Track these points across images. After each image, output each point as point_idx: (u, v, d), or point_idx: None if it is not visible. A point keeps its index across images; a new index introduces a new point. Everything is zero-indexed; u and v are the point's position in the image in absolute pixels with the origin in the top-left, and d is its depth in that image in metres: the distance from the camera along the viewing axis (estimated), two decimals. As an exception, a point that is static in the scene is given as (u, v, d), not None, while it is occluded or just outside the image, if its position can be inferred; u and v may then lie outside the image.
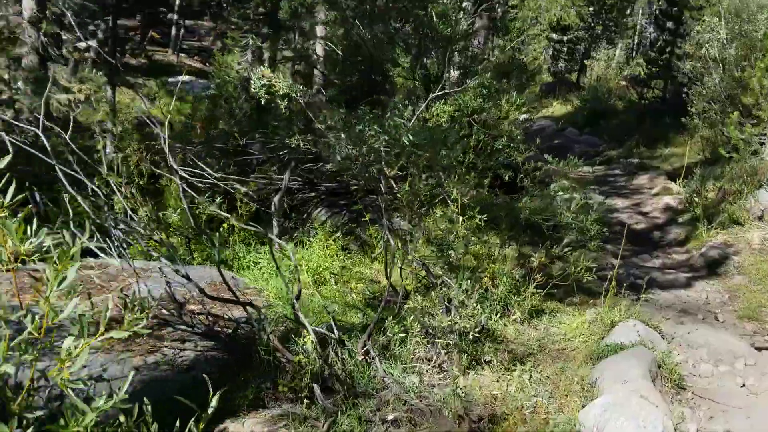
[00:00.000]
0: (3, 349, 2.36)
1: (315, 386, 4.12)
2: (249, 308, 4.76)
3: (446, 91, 9.11)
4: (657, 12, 17.62)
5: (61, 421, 2.38)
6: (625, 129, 15.97)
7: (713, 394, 4.45)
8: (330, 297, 6.64)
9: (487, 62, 13.23)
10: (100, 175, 7.57)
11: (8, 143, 4.88)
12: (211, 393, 2.79)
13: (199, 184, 6.66)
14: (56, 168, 4.34)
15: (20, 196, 2.59)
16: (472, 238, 7.03)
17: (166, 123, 6.12)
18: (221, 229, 7.61)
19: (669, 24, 16.94)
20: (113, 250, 5.20)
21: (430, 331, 4.67)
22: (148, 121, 7.12)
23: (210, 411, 2.73)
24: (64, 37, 20.55)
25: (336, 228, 8.11)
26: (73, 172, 5.27)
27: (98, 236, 6.74)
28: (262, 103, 6.53)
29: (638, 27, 30.90)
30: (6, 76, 12.28)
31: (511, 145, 9.86)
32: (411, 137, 4.86)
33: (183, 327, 4.66)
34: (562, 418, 4.10)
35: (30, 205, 5.11)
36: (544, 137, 17.59)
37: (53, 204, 7.78)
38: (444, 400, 4.20)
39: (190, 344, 4.65)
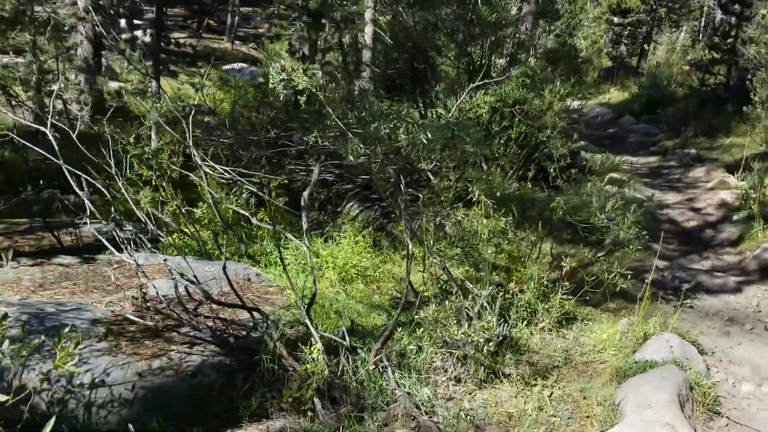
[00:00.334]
0: None
1: (316, 400, 3.94)
2: (256, 313, 4.62)
3: (486, 81, 8.77)
4: (722, -7, 16.67)
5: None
6: (684, 117, 15.20)
7: (751, 419, 4.07)
8: (356, 296, 6.47)
9: (535, 49, 12.78)
10: (131, 169, 7.58)
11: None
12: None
13: (226, 178, 6.56)
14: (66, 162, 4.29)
15: None
16: (508, 237, 6.76)
17: (190, 116, 6.04)
18: (251, 224, 7.51)
19: (735, 6, 16.02)
20: (129, 245, 5.15)
21: (447, 340, 4.44)
22: (176, 114, 7.08)
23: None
24: (122, 26, 20.97)
25: (367, 223, 7.92)
26: (105, 166, 5.26)
27: (127, 229, 6.76)
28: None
29: (705, 9, 29.52)
30: (58, 67, 12.48)
31: (557, 136, 9.45)
32: (429, 135, 4.60)
33: (189, 331, 4.56)
34: (579, 443, 3.82)
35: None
36: (599, 126, 17.00)
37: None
38: (456, 417, 3.97)
39: (198, 348, 4.54)
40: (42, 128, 4.78)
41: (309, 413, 3.96)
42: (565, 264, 5.22)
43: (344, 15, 11.98)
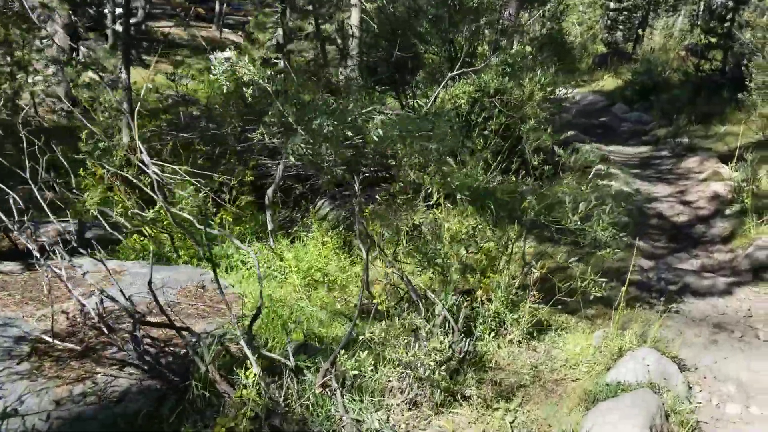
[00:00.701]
0: None
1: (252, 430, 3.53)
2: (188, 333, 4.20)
3: (464, 70, 8.32)
4: (717, -24, 16.13)
5: None
6: (677, 104, 14.73)
7: (735, 448, 3.68)
8: (320, 302, 6.05)
9: (521, 36, 12.30)
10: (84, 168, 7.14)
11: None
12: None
13: (177, 177, 6.13)
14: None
15: None
16: (481, 236, 6.35)
17: (135, 110, 5.60)
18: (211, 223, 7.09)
19: (731, -11, 15.49)
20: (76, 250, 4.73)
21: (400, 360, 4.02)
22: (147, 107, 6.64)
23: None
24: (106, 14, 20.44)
25: (338, 222, 7.50)
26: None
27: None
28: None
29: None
30: (24, 58, 12.01)
31: (540, 127, 8.99)
32: (381, 132, 4.18)
33: (118, 350, 4.15)
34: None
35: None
36: (591, 114, 16.54)
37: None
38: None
39: (129, 369, 4.13)
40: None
41: (243, 446, 3.55)
42: (535, 270, 4.80)
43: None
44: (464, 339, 4.35)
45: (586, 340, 4.65)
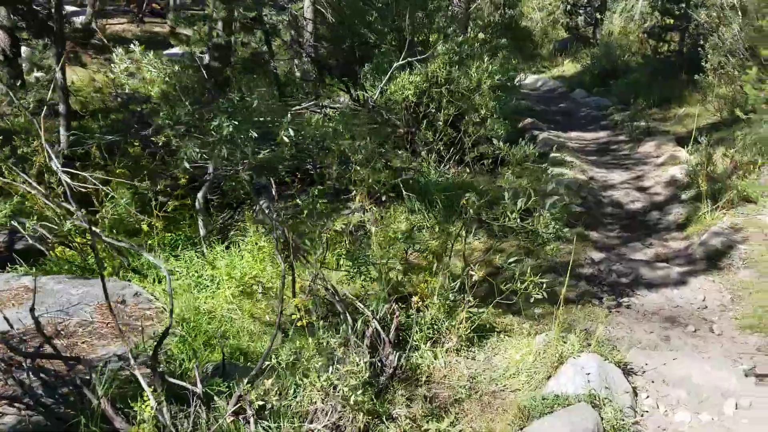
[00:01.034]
0: None
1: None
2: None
3: (409, 59, 7.96)
4: (671, -45, 15.92)
5: None
6: (636, 88, 14.53)
7: (683, 463, 3.38)
8: (253, 312, 5.66)
9: (472, 22, 11.97)
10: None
11: None
12: None
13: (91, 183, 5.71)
14: None
15: None
16: (435, 231, 6.02)
17: (42, 115, 5.17)
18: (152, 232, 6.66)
19: (685, -32, 15.30)
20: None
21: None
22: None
23: None
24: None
25: (311, 210, 7.10)
26: None
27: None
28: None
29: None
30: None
31: (493, 117, 8.68)
32: (291, 133, 3.80)
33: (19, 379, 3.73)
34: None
35: None
36: (551, 100, 16.28)
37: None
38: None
39: (24, 402, 3.72)
40: None
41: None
42: (474, 273, 4.47)
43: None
44: (395, 352, 4.01)
45: (528, 345, 4.33)
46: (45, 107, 7.55)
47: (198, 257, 6.38)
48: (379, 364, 4.01)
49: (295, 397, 3.81)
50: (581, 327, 4.84)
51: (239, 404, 3.63)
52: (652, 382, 4.10)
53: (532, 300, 4.29)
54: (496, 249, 6.54)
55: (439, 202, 6.95)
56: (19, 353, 3.59)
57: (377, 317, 4.20)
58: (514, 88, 13.51)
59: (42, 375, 3.72)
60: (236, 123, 3.80)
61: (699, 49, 12.64)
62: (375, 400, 3.63)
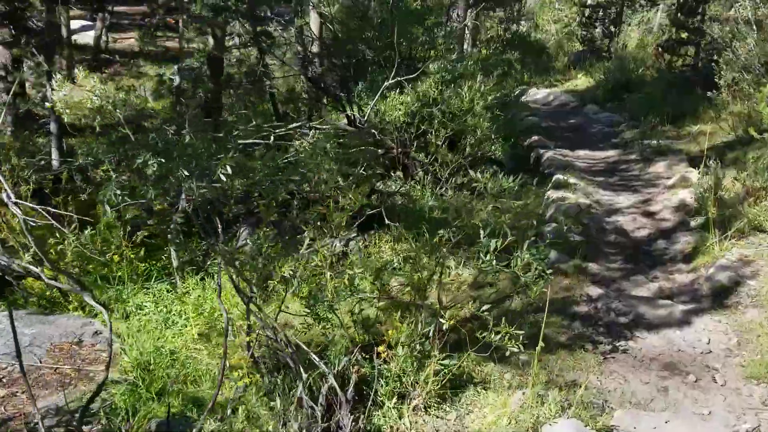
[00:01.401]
0: None
1: None
2: None
3: (398, 78, 7.60)
4: (686, -33, 15.44)
5: None
6: (650, 104, 14.01)
7: None
8: (220, 354, 5.29)
9: (473, 38, 11.59)
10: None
11: None
12: None
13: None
14: None
15: None
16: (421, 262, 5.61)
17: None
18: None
19: (701, -20, 14.83)
20: None
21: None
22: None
23: None
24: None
25: (256, 254, 6.73)
26: None
27: None
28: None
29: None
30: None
31: (492, 138, 8.29)
32: (229, 170, 3.44)
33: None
34: None
35: None
36: (562, 115, 15.82)
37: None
38: None
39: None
40: None
41: None
42: (444, 321, 4.06)
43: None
44: (352, 415, 3.61)
45: (504, 404, 3.90)
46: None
47: (169, 290, 6.04)
48: (335, 427, 3.62)
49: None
50: (569, 378, 4.42)
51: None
52: (641, 450, 3.67)
53: (508, 353, 3.87)
54: (486, 283, 6.13)
55: (426, 231, 6.54)
56: None
57: (336, 370, 3.80)
58: (519, 105, 13.11)
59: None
60: (162, 161, 3.46)
61: (713, 64, 12.15)
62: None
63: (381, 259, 6.44)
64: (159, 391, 4.52)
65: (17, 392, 4.30)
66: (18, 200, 5.07)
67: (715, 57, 12.34)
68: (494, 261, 4.05)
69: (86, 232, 6.17)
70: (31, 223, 5.01)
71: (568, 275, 6.14)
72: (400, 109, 7.73)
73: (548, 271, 4.22)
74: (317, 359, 3.82)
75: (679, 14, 15.03)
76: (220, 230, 4.00)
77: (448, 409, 4.04)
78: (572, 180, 9.09)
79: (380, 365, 4.06)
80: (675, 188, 8.87)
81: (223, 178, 3.50)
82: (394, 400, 3.98)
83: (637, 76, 16.91)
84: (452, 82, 7.69)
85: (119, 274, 6.18)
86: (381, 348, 4.08)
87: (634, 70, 16.94)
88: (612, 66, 17.61)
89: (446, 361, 4.13)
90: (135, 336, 5.37)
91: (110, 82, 12.91)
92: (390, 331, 4.23)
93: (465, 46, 10.63)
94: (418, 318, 4.37)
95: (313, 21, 14.54)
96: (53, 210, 5.97)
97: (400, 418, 3.86)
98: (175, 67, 11.03)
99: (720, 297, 5.76)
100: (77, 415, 3.80)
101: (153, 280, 6.32)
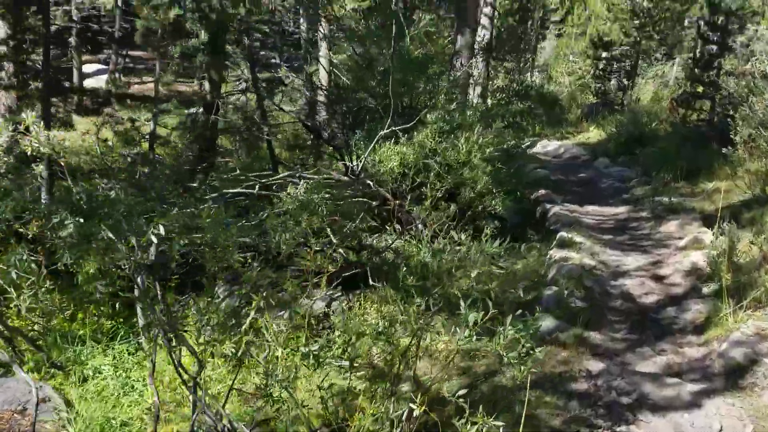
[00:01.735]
0: None
1: None
2: None
3: (393, 128, 7.24)
4: (700, 21, 15.19)
5: None
6: (663, 158, 13.56)
7: None
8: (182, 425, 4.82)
9: (482, 87, 11.29)
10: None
11: None
12: None
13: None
14: None
15: None
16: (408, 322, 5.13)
17: None
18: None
19: (716, 35, 14.55)
20: None
21: None
22: None
23: None
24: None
25: (233, 313, 6.29)
26: None
27: None
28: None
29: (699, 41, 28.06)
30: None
31: (493, 191, 7.87)
32: (162, 232, 3.03)
33: None
34: None
35: None
36: (572, 168, 15.41)
37: None
38: None
39: None
40: None
41: None
42: (415, 406, 3.57)
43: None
44: None
45: None
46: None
47: (131, 352, 5.60)
48: None
49: None
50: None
51: None
52: None
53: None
54: (478, 352, 5.62)
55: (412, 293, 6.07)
56: None
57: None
58: (526, 157, 12.74)
59: None
60: (81, 221, 3.07)
61: (729, 119, 11.74)
62: None
63: (365, 322, 5.96)
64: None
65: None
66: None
67: (731, 112, 11.94)
68: (474, 337, 3.58)
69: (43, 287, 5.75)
70: None
71: (567, 346, 5.62)
72: (395, 160, 7.35)
73: (538, 350, 3.73)
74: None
75: (695, 68, 14.67)
76: (159, 297, 3.59)
77: None
78: (578, 238, 8.60)
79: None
80: (687, 250, 8.36)
81: (154, 239, 3.10)
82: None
83: (651, 129, 16.52)
84: (450, 133, 7.31)
85: (81, 332, 5.74)
86: (343, 435, 3.59)
87: (647, 123, 16.56)
88: (625, 119, 17.25)
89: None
90: (88, 403, 4.93)
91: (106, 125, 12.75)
92: (355, 416, 3.73)
93: (471, 96, 10.27)
94: (387, 404, 3.87)
95: (322, 69, 14.39)
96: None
97: None
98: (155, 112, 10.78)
99: (734, 376, 5.20)
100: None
101: (119, 339, 5.89)
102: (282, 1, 14.09)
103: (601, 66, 23.70)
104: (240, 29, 9.83)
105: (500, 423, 3.30)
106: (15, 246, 6.10)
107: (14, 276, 4.15)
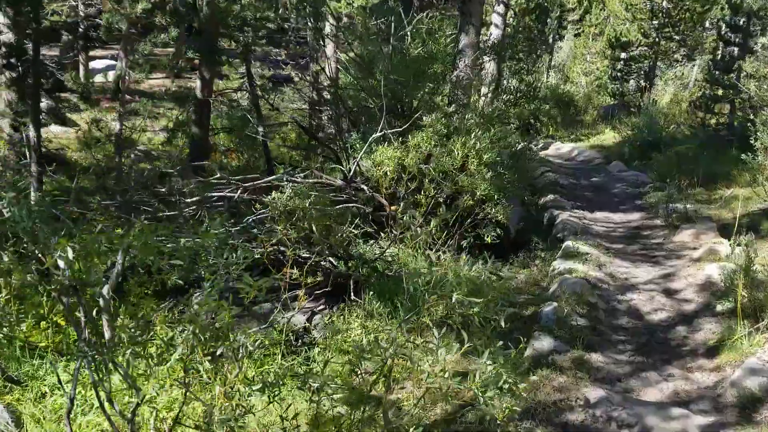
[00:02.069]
0: None
1: None
2: None
3: (386, 131, 6.81)
4: (721, 23, 14.60)
5: None
6: (680, 163, 12.98)
7: None
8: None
9: (488, 88, 10.83)
10: None
11: None
12: None
13: None
14: None
15: None
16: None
17: None
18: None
19: (736, 36, 13.98)
20: None
21: None
22: None
23: None
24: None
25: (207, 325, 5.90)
26: None
27: None
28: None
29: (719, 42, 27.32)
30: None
31: (494, 198, 7.43)
32: (71, 254, 2.63)
33: None
34: None
35: None
36: (584, 172, 14.89)
37: None
38: None
39: None
40: None
41: None
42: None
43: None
44: None
45: None
46: None
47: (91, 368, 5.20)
48: None
49: None
50: None
51: None
52: None
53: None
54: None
55: (400, 305, 5.64)
56: None
57: None
58: (536, 160, 12.27)
59: None
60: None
61: (749, 123, 11.18)
62: None
63: (348, 339, 5.56)
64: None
65: None
66: None
67: (752, 116, 11.37)
68: (446, 374, 3.14)
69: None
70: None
71: (564, 371, 5.15)
72: (388, 164, 6.92)
73: (532, 377, 3.30)
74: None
75: (714, 70, 14.09)
76: (83, 321, 3.20)
77: None
78: (585, 248, 8.13)
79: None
80: (701, 262, 7.86)
81: (61, 264, 2.72)
82: None
83: (668, 132, 15.96)
84: (448, 137, 6.87)
85: (42, 344, 5.37)
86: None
87: (664, 126, 16.00)
88: (641, 122, 16.67)
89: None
90: (42, 423, 4.55)
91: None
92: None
93: (477, 97, 9.82)
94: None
95: (328, 68, 13.97)
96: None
97: None
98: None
99: (748, 409, 4.71)
100: None
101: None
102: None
103: (618, 67, 23.09)
104: (236, 25, 9.46)
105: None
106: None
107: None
